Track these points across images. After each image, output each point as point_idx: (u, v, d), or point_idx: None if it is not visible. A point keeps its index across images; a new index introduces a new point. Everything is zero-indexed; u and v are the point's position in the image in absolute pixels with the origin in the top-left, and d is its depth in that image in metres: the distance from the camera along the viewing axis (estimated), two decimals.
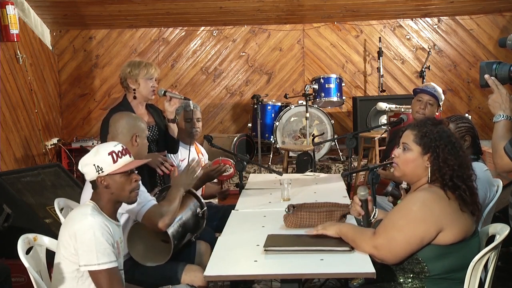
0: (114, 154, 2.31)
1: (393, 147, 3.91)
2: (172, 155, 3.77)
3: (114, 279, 2.21)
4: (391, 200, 3.04)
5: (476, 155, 3.15)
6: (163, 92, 3.55)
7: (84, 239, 2.19)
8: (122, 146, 2.38)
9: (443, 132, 2.28)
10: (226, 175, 3.72)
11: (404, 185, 2.74)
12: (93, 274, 2.20)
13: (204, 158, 4.10)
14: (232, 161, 3.80)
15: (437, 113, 3.87)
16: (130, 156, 2.39)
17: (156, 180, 3.46)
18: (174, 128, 3.58)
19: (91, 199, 2.37)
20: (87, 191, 2.69)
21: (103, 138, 3.28)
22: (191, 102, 3.80)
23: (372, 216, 2.47)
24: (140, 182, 2.63)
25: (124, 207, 2.58)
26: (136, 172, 2.45)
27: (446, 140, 2.26)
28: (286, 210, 2.76)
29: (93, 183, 2.35)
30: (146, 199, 2.69)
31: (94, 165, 2.30)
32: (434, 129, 2.29)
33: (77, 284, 2.26)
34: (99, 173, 2.30)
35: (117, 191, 2.34)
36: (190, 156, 3.92)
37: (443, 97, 3.86)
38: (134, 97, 3.50)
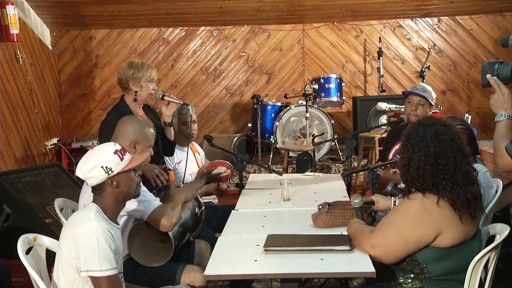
0: (119, 153, 2.32)
1: (390, 147, 3.93)
2: (168, 158, 3.77)
3: (114, 286, 2.21)
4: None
5: (472, 156, 3.15)
6: (161, 96, 3.53)
7: (88, 244, 2.18)
8: (119, 145, 2.39)
9: (421, 148, 2.23)
10: (222, 176, 3.71)
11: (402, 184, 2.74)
12: (94, 280, 2.20)
13: (201, 157, 4.10)
14: (228, 163, 3.78)
15: (431, 112, 3.88)
16: (130, 153, 2.41)
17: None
18: (170, 131, 3.58)
19: (93, 203, 2.35)
20: (86, 195, 2.68)
21: (102, 139, 3.25)
22: (190, 106, 3.82)
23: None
24: (141, 183, 2.64)
25: (127, 207, 2.58)
26: None
27: (427, 155, 2.22)
28: (320, 207, 2.71)
29: (98, 186, 2.32)
30: (151, 199, 2.69)
31: (102, 167, 2.28)
32: (416, 146, 2.24)
33: (77, 287, 2.26)
34: (108, 174, 2.29)
35: (126, 189, 2.34)
36: (188, 157, 3.92)
37: (434, 95, 3.85)
38: (135, 99, 3.49)
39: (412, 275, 2.25)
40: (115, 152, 2.31)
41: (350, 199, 2.73)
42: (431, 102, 3.81)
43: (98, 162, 2.28)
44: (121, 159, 2.31)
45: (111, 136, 3.00)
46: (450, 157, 2.20)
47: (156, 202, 2.69)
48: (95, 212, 2.28)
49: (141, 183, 2.67)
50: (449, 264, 2.20)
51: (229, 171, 3.73)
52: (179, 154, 3.85)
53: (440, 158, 2.19)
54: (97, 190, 2.33)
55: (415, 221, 2.17)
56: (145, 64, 3.51)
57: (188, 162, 3.86)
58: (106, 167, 2.28)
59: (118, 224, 2.41)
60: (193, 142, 4.11)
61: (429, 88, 3.84)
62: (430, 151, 2.21)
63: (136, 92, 3.47)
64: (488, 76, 2.36)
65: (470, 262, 2.18)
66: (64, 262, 2.26)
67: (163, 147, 3.59)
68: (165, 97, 3.53)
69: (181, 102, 3.57)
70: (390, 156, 3.86)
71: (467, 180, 2.20)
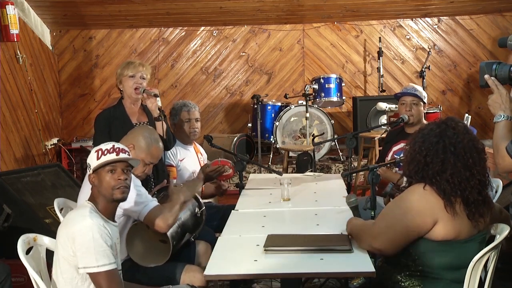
0: (100, 152, 2.36)
1: (389, 148, 3.92)
2: (171, 155, 3.78)
3: (114, 281, 2.22)
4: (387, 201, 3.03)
5: None
6: (143, 90, 3.55)
7: (83, 241, 2.19)
8: (113, 144, 2.40)
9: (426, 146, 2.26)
10: (224, 175, 3.72)
11: (404, 183, 2.75)
12: (93, 276, 2.21)
13: (203, 158, 4.11)
14: (231, 162, 3.81)
15: (425, 110, 3.91)
16: (118, 155, 2.38)
17: (150, 179, 3.43)
18: (159, 126, 3.54)
19: (88, 200, 2.38)
20: (84, 192, 2.70)
21: (95, 134, 3.54)
22: (190, 102, 3.92)
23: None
24: (140, 183, 2.64)
25: (124, 206, 2.58)
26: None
27: (420, 149, 2.26)
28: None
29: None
30: (147, 199, 2.69)
31: (87, 163, 2.39)
32: (417, 140, 2.29)
33: (76, 285, 2.26)
34: (89, 171, 2.37)
35: (101, 189, 2.36)
36: (190, 156, 3.94)
37: (425, 94, 3.89)
38: (123, 97, 3.59)
39: (408, 272, 2.25)
40: (97, 150, 2.37)
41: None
42: (424, 101, 3.83)
43: (87, 159, 2.40)
44: (98, 158, 2.35)
45: (99, 130, 3.45)
46: (438, 158, 2.21)
47: (152, 203, 2.69)
48: (89, 209, 2.30)
49: (140, 184, 2.68)
50: (441, 259, 2.21)
51: (231, 170, 3.74)
52: (182, 152, 3.87)
53: (428, 156, 2.22)
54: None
55: (415, 210, 2.18)
56: (127, 62, 3.61)
57: (190, 161, 3.88)
58: (88, 164, 2.38)
59: (115, 221, 2.41)
60: (196, 143, 4.12)
61: (419, 87, 3.89)
62: (422, 148, 2.25)
63: (121, 90, 3.60)
64: (486, 76, 2.36)
65: (465, 261, 2.19)
66: (62, 261, 2.26)
67: None
68: (144, 92, 3.54)
69: (152, 94, 3.52)
70: (389, 157, 3.86)
71: (460, 181, 2.18)
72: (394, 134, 4.02)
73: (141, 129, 3.05)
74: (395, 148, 3.86)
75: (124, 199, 2.41)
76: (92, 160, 2.36)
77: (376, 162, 4.15)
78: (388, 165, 3.64)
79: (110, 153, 2.36)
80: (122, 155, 2.38)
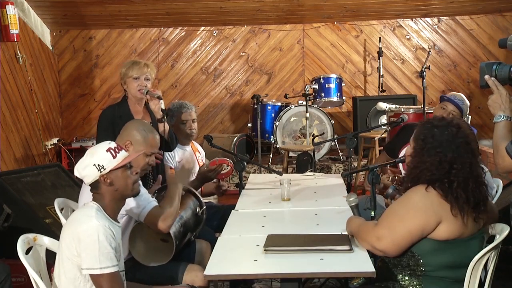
0: (112, 150, 2.33)
1: (403, 145, 3.84)
2: (169, 156, 3.77)
3: (115, 283, 2.21)
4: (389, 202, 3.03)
5: None
6: (146, 92, 3.54)
7: (88, 242, 2.19)
8: (115, 143, 2.40)
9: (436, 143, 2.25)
10: (223, 173, 3.72)
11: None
12: (95, 278, 2.20)
13: (201, 156, 4.11)
14: (229, 160, 3.80)
15: (428, 111, 3.80)
16: (126, 151, 2.42)
17: (149, 178, 3.43)
18: (161, 128, 3.52)
19: (93, 201, 2.36)
20: (85, 194, 2.69)
21: (97, 131, 3.54)
22: (187, 103, 3.93)
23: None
24: (140, 183, 2.64)
25: (126, 207, 2.58)
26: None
27: (442, 159, 2.22)
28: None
29: (94, 184, 2.34)
30: (147, 200, 2.69)
31: (94, 165, 2.30)
32: (432, 150, 2.25)
33: (78, 285, 2.26)
34: (101, 172, 2.30)
35: (121, 186, 2.35)
36: (189, 156, 3.93)
37: (468, 111, 3.72)
38: (127, 96, 3.59)
39: (409, 271, 2.25)
40: (108, 150, 2.33)
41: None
42: (463, 118, 3.68)
43: (91, 161, 2.32)
44: (114, 157, 2.32)
45: (102, 128, 3.42)
46: (466, 162, 2.20)
47: (151, 204, 2.69)
48: (95, 210, 2.29)
49: (141, 183, 2.68)
50: (443, 258, 2.21)
51: (229, 167, 3.74)
52: (179, 153, 3.86)
53: (456, 163, 2.20)
54: (94, 188, 2.36)
55: (418, 210, 2.18)
56: (133, 62, 3.59)
57: (189, 161, 3.88)
58: (98, 165, 2.30)
59: (118, 222, 2.41)
60: (194, 142, 4.12)
61: (467, 102, 3.71)
62: (447, 156, 2.21)
63: (125, 90, 3.60)
64: (486, 77, 2.36)
65: (467, 260, 2.19)
66: (65, 261, 2.26)
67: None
68: (148, 93, 3.54)
69: (156, 96, 3.51)
70: (402, 154, 3.79)
71: (476, 184, 2.20)
72: (405, 128, 3.92)
73: (132, 124, 3.02)
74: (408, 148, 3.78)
75: (139, 192, 2.46)
76: (107, 160, 2.30)
77: (384, 150, 4.08)
78: (388, 165, 3.62)
79: (120, 150, 2.36)
80: (126, 151, 2.41)
